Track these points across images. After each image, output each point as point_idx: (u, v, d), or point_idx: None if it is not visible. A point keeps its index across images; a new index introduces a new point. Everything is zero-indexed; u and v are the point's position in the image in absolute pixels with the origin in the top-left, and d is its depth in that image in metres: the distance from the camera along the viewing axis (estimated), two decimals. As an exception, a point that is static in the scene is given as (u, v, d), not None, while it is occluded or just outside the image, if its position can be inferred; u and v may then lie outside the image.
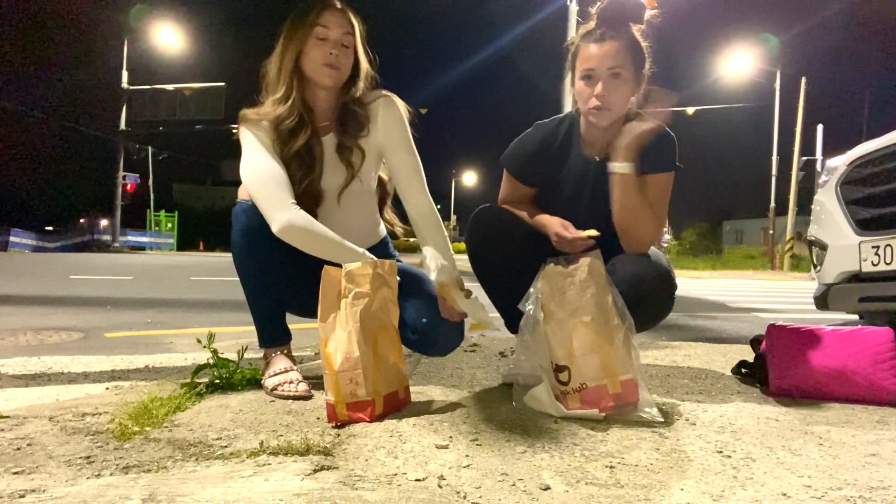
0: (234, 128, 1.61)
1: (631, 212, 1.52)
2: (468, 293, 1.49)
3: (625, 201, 1.52)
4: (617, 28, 1.51)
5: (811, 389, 1.55)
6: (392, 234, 1.83)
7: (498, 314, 1.78)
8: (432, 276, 1.48)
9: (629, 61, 1.52)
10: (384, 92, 1.61)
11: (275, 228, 1.41)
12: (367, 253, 1.45)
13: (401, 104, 1.60)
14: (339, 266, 1.33)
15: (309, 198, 1.55)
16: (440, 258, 1.50)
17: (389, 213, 1.78)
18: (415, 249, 1.62)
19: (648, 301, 1.48)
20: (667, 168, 1.57)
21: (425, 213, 1.57)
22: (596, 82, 1.51)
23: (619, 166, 1.51)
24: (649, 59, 1.56)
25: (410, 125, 1.61)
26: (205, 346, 1.54)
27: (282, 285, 1.58)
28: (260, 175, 1.47)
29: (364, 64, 1.60)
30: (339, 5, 1.56)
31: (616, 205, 1.54)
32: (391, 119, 1.58)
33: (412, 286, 1.54)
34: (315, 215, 1.55)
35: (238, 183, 1.56)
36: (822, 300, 2.74)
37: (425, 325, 1.51)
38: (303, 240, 1.42)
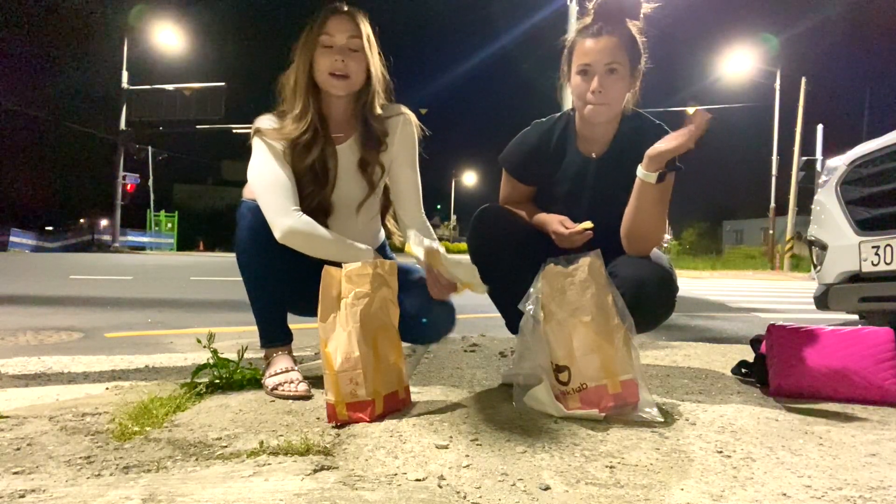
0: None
1: (647, 216, 1.50)
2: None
3: (641, 207, 1.49)
4: (614, 23, 1.51)
5: (811, 389, 1.55)
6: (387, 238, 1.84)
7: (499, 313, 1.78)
8: (417, 249, 1.46)
9: (625, 57, 1.51)
10: (403, 109, 1.66)
11: (277, 235, 1.44)
12: (372, 249, 1.46)
13: (416, 124, 1.67)
14: (340, 266, 1.33)
15: (320, 210, 1.57)
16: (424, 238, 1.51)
17: (391, 221, 1.79)
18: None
19: (650, 303, 1.47)
20: (668, 169, 1.56)
21: (420, 227, 1.65)
22: (592, 77, 1.51)
23: (646, 174, 1.45)
24: (645, 56, 1.56)
25: (420, 144, 1.67)
26: (205, 346, 1.54)
27: (284, 285, 1.58)
28: (265, 180, 1.48)
29: (375, 68, 1.58)
30: (344, 8, 1.55)
31: (631, 209, 1.51)
32: (406, 137, 1.64)
33: (402, 277, 1.55)
34: (325, 226, 1.57)
35: (241, 183, 1.57)
36: (822, 300, 2.74)
37: (416, 310, 1.53)
38: (305, 244, 1.46)
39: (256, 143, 1.53)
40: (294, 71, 1.55)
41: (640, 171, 1.46)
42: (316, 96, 1.55)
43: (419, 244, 1.45)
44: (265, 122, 1.56)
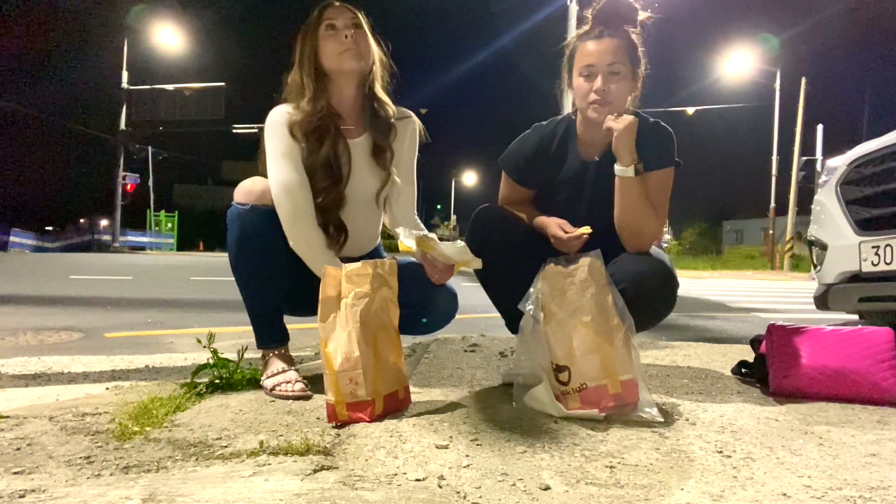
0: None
1: (633, 211, 1.52)
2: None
3: (626, 201, 1.52)
4: (614, 27, 1.54)
5: (811, 389, 1.54)
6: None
7: (498, 313, 1.78)
8: (408, 240, 1.49)
9: (627, 59, 1.54)
10: (410, 113, 1.72)
11: (290, 243, 1.50)
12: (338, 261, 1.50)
13: (422, 129, 1.73)
14: (340, 266, 1.34)
15: (333, 205, 1.59)
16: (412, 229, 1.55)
17: (385, 219, 1.80)
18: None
19: (650, 299, 1.48)
20: (667, 164, 1.57)
21: (412, 226, 1.66)
22: (595, 78, 1.53)
23: (622, 169, 1.52)
24: (644, 61, 1.58)
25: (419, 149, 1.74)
26: (205, 346, 1.54)
27: (278, 288, 1.59)
28: (279, 185, 1.50)
29: (376, 50, 1.62)
30: (337, 3, 1.59)
31: (618, 205, 1.54)
32: (411, 141, 1.71)
33: (401, 272, 1.56)
34: (338, 219, 1.60)
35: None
36: (822, 300, 2.74)
37: (419, 298, 1.55)
38: (305, 256, 1.52)
39: (269, 142, 1.54)
40: (299, 65, 1.57)
41: (617, 167, 1.52)
42: (324, 87, 1.57)
43: (408, 235, 1.49)
44: (281, 111, 1.57)
